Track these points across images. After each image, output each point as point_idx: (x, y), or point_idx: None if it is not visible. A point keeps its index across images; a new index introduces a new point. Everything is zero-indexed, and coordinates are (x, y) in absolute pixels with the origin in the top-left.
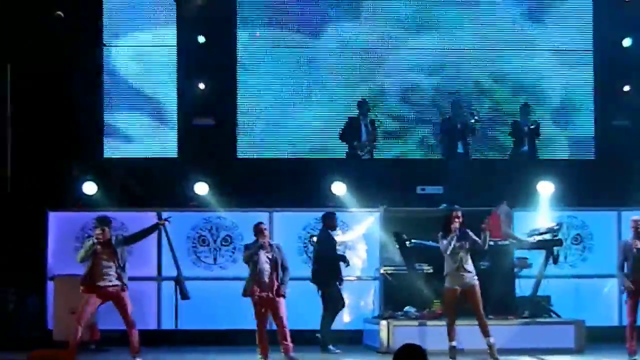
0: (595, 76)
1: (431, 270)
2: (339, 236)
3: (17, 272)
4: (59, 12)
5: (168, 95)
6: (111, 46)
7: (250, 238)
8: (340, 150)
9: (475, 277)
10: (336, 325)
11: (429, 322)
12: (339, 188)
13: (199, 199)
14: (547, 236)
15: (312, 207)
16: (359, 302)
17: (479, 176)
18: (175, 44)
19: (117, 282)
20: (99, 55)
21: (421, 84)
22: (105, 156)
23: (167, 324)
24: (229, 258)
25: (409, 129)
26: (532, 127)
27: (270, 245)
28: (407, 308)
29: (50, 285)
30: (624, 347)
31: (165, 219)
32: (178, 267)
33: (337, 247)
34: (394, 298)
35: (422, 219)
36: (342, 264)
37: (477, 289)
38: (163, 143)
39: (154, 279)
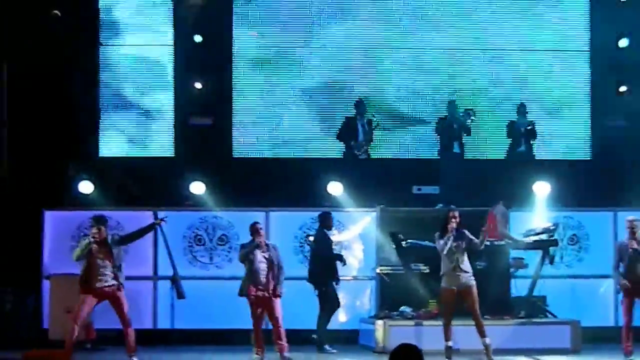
0: (591, 76)
1: (427, 270)
2: (335, 236)
3: (13, 272)
4: (56, 11)
5: (164, 95)
6: (108, 45)
7: (246, 237)
8: (337, 150)
9: (472, 278)
10: (332, 325)
11: (425, 322)
12: (335, 188)
13: (195, 198)
14: (543, 236)
15: (309, 206)
16: (355, 301)
17: (475, 176)
18: (172, 44)
19: (113, 282)
20: (95, 55)
21: (418, 83)
22: (101, 155)
23: (163, 323)
24: (225, 257)
25: (405, 129)
26: (528, 127)
27: (267, 244)
28: (403, 308)
29: (46, 284)
30: (620, 348)
31: (162, 219)
32: (174, 267)
33: (333, 247)
34: (390, 298)
35: (419, 219)
36: (338, 263)
37: (474, 289)
38: (159, 142)
39: (150, 278)
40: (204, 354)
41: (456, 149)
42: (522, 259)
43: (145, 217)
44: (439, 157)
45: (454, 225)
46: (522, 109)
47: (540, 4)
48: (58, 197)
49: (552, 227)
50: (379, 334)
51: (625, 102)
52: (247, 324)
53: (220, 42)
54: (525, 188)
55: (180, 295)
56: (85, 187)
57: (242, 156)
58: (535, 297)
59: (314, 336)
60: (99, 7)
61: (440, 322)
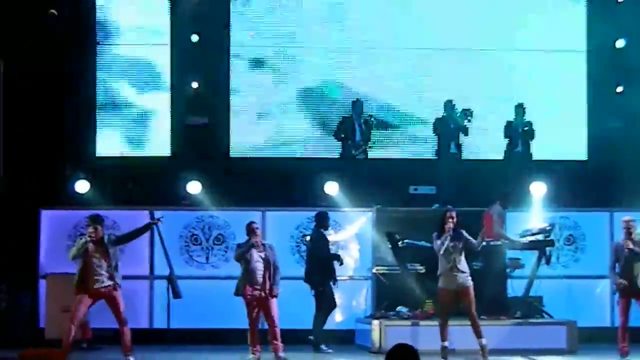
0: (588, 77)
1: (423, 270)
2: (331, 236)
3: (9, 271)
4: (53, 11)
5: (161, 94)
6: (105, 45)
7: (242, 237)
8: (333, 150)
9: (469, 278)
10: (328, 325)
11: (421, 322)
12: (331, 188)
13: (192, 197)
14: (540, 237)
15: (305, 206)
16: (351, 301)
17: (472, 176)
18: (169, 43)
19: (110, 282)
20: (92, 54)
21: (415, 83)
22: (97, 155)
23: (159, 323)
24: (222, 257)
25: (401, 129)
26: (525, 128)
27: (263, 244)
28: (399, 308)
29: (43, 283)
30: (616, 348)
31: (158, 219)
32: (170, 266)
33: (330, 247)
34: (386, 298)
35: (415, 219)
36: (335, 263)
37: (471, 290)
38: (156, 142)
39: (146, 277)
40: (200, 354)
41: (453, 149)
42: (519, 259)
43: (141, 216)
44: (435, 157)
45: (451, 225)
46: (519, 110)
47: (538, 4)
48: (54, 197)
49: (548, 228)
50: (375, 334)
51: (622, 103)
52: (243, 323)
53: (217, 41)
54: (522, 188)
55: (177, 294)
56: (82, 186)
57: (239, 156)
58: (531, 297)
59: (311, 337)
60: (95, 6)
61: (436, 322)
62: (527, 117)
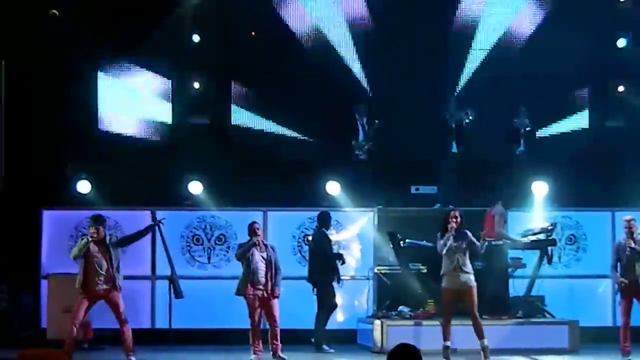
0: (589, 77)
1: (425, 270)
2: (333, 235)
3: (11, 271)
4: (54, 11)
5: (163, 94)
6: (106, 44)
7: (244, 237)
8: (336, 150)
9: (473, 279)
10: (330, 324)
11: (423, 322)
12: (333, 188)
13: (193, 198)
14: (541, 236)
15: (307, 206)
16: (353, 301)
17: (474, 176)
18: (171, 43)
19: (111, 283)
20: (93, 54)
21: (416, 83)
22: (99, 155)
23: (161, 323)
24: (223, 257)
25: (403, 129)
26: (527, 128)
27: (265, 245)
28: (401, 308)
29: (44, 283)
30: (618, 348)
31: (160, 220)
32: (172, 266)
33: (332, 247)
34: (388, 298)
35: (416, 219)
36: (338, 262)
37: (474, 290)
38: (158, 142)
39: (148, 278)
40: (202, 354)
41: (454, 149)
42: (520, 259)
43: (143, 216)
44: (437, 157)
45: (454, 225)
46: (521, 110)
47: (540, 4)
48: (56, 197)
49: (550, 227)
50: (377, 333)
51: (624, 103)
52: (245, 323)
53: (219, 41)
54: (524, 188)
55: (178, 294)
56: (83, 186)
57: (241, 156)
58: (533, 297)
59: (313, 340)
60: (96, 6)
61: (438, 322)
62: (529, 117)
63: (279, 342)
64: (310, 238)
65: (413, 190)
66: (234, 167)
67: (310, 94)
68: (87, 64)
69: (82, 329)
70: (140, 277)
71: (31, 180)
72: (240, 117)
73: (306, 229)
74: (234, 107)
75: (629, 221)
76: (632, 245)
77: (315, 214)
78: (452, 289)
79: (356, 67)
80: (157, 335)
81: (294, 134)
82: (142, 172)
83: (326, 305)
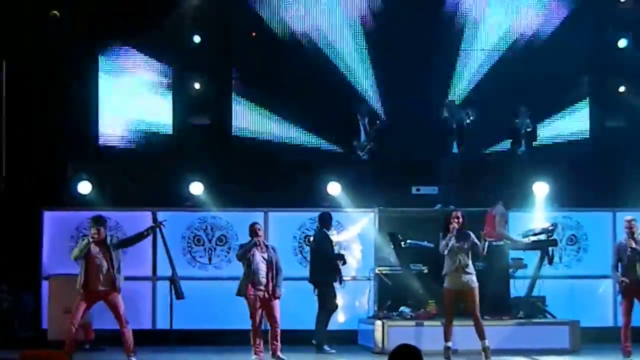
0: (590, 76)
1: (426, 271)
2: (333, 236)
3: (12, 272)
4: (55, 12)
5: (164, 95)
6: (107, 45)
7: (245, 238)
8: (337, 150)
9: (475, 279)
10: (331, 325)
11: (424, 323)
12: (334, 188)
13: (194, 198)
14: (542, 237)
15: (307, 207)
16: (354, 302)
17: (474, 177)
18: (172, 44)
19: (111, 284)
20: (94, 54)
21: (417, 83)
22: (99, 156)
23: (162, 324)
24: (224, 258)
25: (404, 129)
26: (528, 129)
27: (266, 245)
28: (402, 308)
29: (45, 284)
30: (619, 348)
31: (161, 222)
32: (173, 267)
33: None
34: (389, 298)
35: (417, 220)
36: (339, 263)
37: (476, 291)
38: (159, 142)
39: (149, 278)
40: (202, 355)
41: (455, 149)
42: (521, 259)
43: (144, 217)
44: (437, 158)
45: (456, 225)
46: (522, 110)
47: (540, 4)
48: (57, 197)
49: (551, 228)
50: (378, 334)
51: (625, 102)
52: (246, 324)
53: (219, 42)
54: (525, 188)
55: (179, 295)
56: (84, 187)
57: (242, 157)
58: (534, 297)
59: (314, 341)
60: (97, 7)
61: (439, 323)
62: (530, 117)
63: (278, 343)
64: (311, 239)
65: (414, 190)
66: (234, 167)
67: (311, 94)
68: (87, 64)
69: (83, 329)
70: (141, 278)
71: (32, 180)
72: (241, 117)
73: (307, 229)
74: (234, 108)
75: (629, 221)
76: (633, 245)
77: (316, 214)
78: (453, 290)
79: (357, 67)
80: (158, 336)
81: (295, 135)
82: (143, 172)
83: (327, 306)
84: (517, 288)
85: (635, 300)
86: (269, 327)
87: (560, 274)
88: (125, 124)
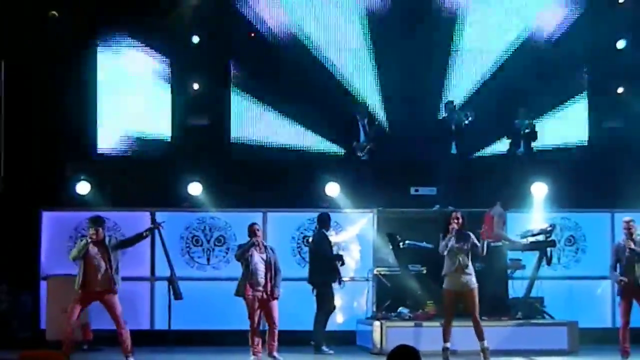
0: (589, 78)
1: (424, 271)
2: (332, 237)
3: (10, 272)
4: (54, 12)
5: (162, 95)
6: (105, 45)
7: (243, 238)
8: (336, 151)
9: (474, 280)
10: (329, 325)
11: (423, 323)
12: (332, 189)
13: (193, 199)
14: (541, 237)
15: (306, 207)
16: (353, 303)
17: (473, 177)
18: (170, 44)
19: (109, 284)
20: (92, 54)
21: (416, 84)
22: (98, 156)
23: (160, 324)
24: (223, 258)
25: (402, 130)
26: (527, 130)
27: (265, 246)
28: (400, 309)
29: (44, 285)
30: (618, 349)
31: (159, 223)
32: (171, 267)
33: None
34: (388, 299)
35: (416, 220)
36: (338, 263)
37: (475, 292)
38: (157, 143)
39: (147, 279)
40: (201, 355)
41: (453, 150)
42: (520, 260)
43: (142, 217)
44: (436, 159)
45: (455, 226)
46: (522, 111)
47: (539, 5)
48: (55, 198)
49: (549, 228)
50: (376, 335)
51: (623, 104)
52: (244, 325)
53: (218, 42)
54: (523, 189)
55: (178, 296)
56: (83, 187)
57: (240, 157)
58: (532, 298)
59: (312, 342)
60: (96, 7)
61: (437, 323)
62: (530, 118)
63: (275, 342)
64: (310, 239)
65: (412, 191)
66: (233, 168)
67: (311, 94)
68: (86, 64)
69: (82, 330)
70: (140, 279)
71: (30, 180)
72: (240, 118)
73: (305, 230)
74: (233, 108)
75: (628, 222)
76: (632, 246)
77: (315, 215)
78: (453, 290)
79: (356, 68)
80: (157, 337)
81: (294, 135)
82: (141, 173)
83: (325, 306)
84: (516, 289)
85: (634, 301)
86: (267, 328)
87: (558, 274)
88: (124, 123)
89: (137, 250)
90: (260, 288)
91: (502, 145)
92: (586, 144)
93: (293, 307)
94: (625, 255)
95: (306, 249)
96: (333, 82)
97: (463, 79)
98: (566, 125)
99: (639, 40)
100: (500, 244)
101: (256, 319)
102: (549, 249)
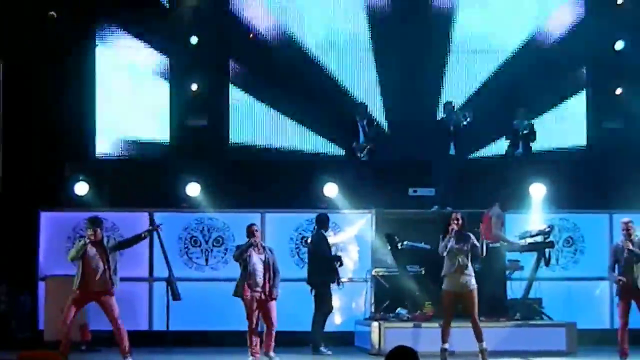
0: (588, 78)
1: (423, 272)
2: (330, 237)
3: (8, 272)
4: (52, 12)
5: (160, 96)
6: (104, 46)
7: (241, 239)
8: (335, 151)
9: (474, 282)
10: (328, 326)
11: (421, 324)
12: (331, 189)
13: (191, 199)
14: (539, 238)
15: (304, 208)
16: (351, 303)
17: (471, 178)
18: (168, 45)
19: (106, 285)
20: (91, 55)
21: (414, 84)
22: (97, 156)
23: (159, 325)
24: (221, 259)
25: (401, 131)
26: (525, 131)
27: (263, 247)
28: (398, 310)
29: (42, 285)
30: (616, 350)
31: (158, 225)
32: (170, 268)
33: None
34: (386, 300)
35: (414, 221)
36: (336, 264)
37: (474, 293)
38: (155, 143)
39: (145, 279)
40: (199, 356)
41: (452, 151)
42: (518, 261)
43: (140, 218)
44: (435, 159)
45: (455, 227)
46: (521, 111)
47: (538, 6)
48: (54, 198)
49: (547, 229)
50: (375, 336)
51: (622, 104)
52: (242, 325)
53: (216, 43)
54: (522, 190)
55: (176, 296)
56: (81, 188)
57: (239, 158)
58: (530, 299)
59: (311, 343)
60: (95, 7)
61: (435, 324)
62: (528, 119)
63: (272, 342)
64: (308, 240)
65: (411, 192)
66: (231, 169)
67: (310, 95)
68: (85, 64)
69: (80, 330)
70: (138, 279)
71: (29, 181)
72: (238, 118)
73: (304, 230)
74: (231, 109)
75: (626, 223)
76: (630, 247)
77: (313, 216)
78: (452, 291)
79: (355, 69)
80: (155, 337)
81: (293, 136)
82: (140, 173)
83: (323, 307)
84: (514, 290)
85: (633, 302)
86: (265, 328)
87: (557, 275)
88: (123, 124)
89: (135, 251)
90: (259, 289)
91: (500, 146)
92: (585, 145)
93: (291, 308)
94: (624, 256)
95: (304, 249)
96: (332, 83)
97: (462, 80)
98: (565, 126)
99: (638, 41)
100: (498, 244)
101: (254, 319)
102: (547, 250)
